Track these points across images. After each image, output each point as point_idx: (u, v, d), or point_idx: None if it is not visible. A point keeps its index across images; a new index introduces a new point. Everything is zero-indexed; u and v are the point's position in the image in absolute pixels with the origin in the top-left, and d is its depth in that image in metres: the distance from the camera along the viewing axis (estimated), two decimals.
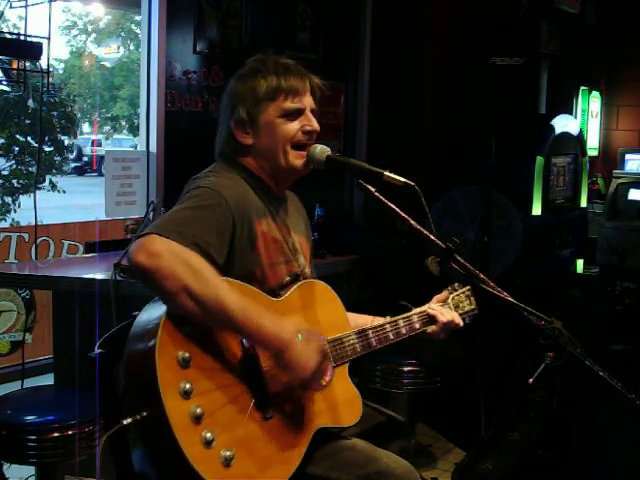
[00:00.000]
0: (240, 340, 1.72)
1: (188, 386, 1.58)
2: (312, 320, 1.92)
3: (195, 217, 1.71)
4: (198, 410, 1.58)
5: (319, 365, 1.73)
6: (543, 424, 3.02)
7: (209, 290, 1.61)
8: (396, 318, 2.10)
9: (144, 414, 1.58)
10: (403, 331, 2.09)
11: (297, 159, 1.94)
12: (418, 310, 2.16)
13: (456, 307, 2.24)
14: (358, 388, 2.02)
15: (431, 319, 2.15)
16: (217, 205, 1.76)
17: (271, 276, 1.88)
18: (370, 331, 2.02)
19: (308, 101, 1.96)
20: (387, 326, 2.06)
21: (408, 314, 2.14)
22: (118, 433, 1.69)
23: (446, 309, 2.19)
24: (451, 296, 2.24)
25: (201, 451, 1.57)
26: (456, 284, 2.27)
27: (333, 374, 1.92)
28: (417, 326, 2.13)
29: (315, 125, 1.96)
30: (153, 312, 1.66)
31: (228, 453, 1.61)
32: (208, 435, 1.58)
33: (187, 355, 1.61)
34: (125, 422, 1.61)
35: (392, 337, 2.07)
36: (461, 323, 2.18)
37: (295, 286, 1.92)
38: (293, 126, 1.92)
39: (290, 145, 1.92)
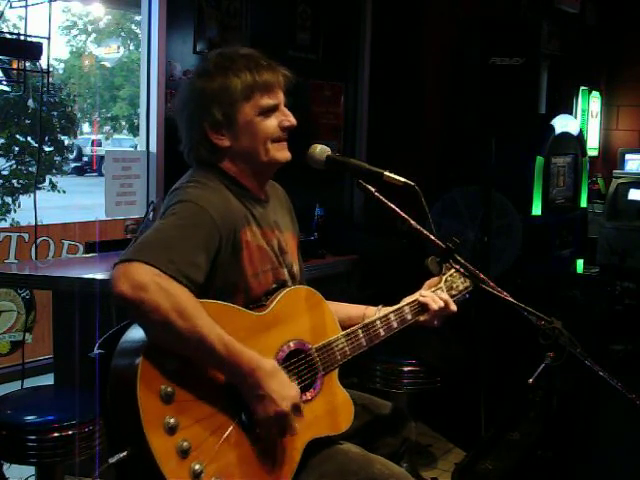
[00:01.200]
0: None
1: (173, 421, 1.56)
2: (299, 329, 1.87)
3: (182, 238, 1.67)
4: (185, 444, 1.57)
5: (297, 399, 1.69)
6: (543, 424, 3.02)
7: (190, 326, 1.58)
8: (387, 312, 2.04)
9: (130, 452, 1.57)
10: (394, 325, 2.03)
11: (279, 151, 1.89)
12: (409, 300, 2.09)
13: (450, 289, 2.16)
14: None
15: (423, 307, 2.08)
16: (203, 222, 1.72)
17: (256, 285, 1.85)
18: (360, 330, 1.96)
19: (281, 95, 1.90)
20: (377, 322, 2.00)
21: (399, 306, 2.07)
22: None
23: (438, 294, 2.10)
24: (443, 278, 2.16)
25: None
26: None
27: (322, 383, 1.89)
28: (409, 317, 2.06)
29: (292, 120, 1.90)
30: (138, 334, 1.63)
31: None
32: (197, 467, 1.57)
33: (170, 390, 1.58)
34: (111, 460, 1.59)
35: (383, 333, 2.01)
36: (454, 308, 2.10)
37: (279, 295, 1.86)
38: (271, 123, 1.87)
39: (270, 141, 1.88)
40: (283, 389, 1.66)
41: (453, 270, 2.17)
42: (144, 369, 1.57)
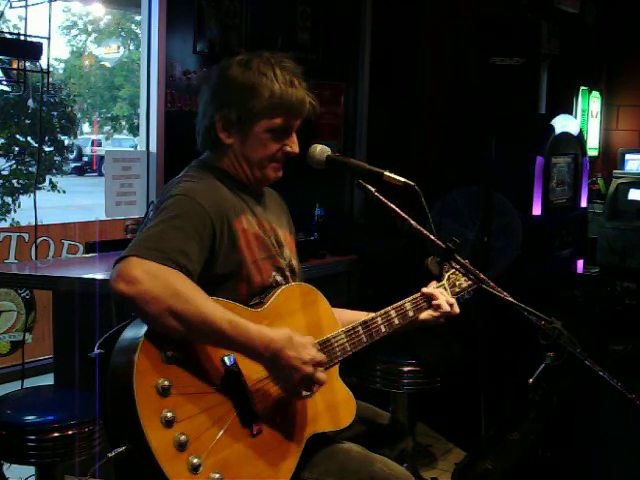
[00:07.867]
0: (221, 359, 1.69)
1: (170, 414, 1.56)
2: (298, 325, 1.87)
3: (171, 228, 1.68)
4: (182, 437, 1.56)
5: (317, 355, 1.71)
6: (543, 424, 3.02)
7: (192, 308, 1.58)
8: (388, 309, 2.04)
9: (128, 446, 1.57)
10: (396, 321, 2.03)
11: (272, 171, 1.93)
12: (411, 297, 2.10)
13: (453, 286, 2.17)
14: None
15: (427, 300, 2.09)
16: (193, 212, 1.73)
17: (256, 273, 1.85)
18: (360, 327, 1.96)
19: (298, 122, 1.92)
20: (378, 319, 2.00)
21: (400, 303, 2.07)
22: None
23: (441, 290, 2.12)
24: (446, 275, 2.16)
25: (188, 478, 1.56)
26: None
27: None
28: (410, 314, 2.06)
29: (296, 149, 1.92)
30: (135, 331, 1.63)
31: (217, 476, 1.59)
32: (195, 461, 1.57)
33: (166, 383, 1.58)
34: (110, 455, 1.59)
35: (384, 329, 2.00)
36: (457, 310, 2.11)
37: (277, 292, 1.87)
38: (276, 146, 1.89)
39: (268, 161, 1.90)
40: (301, 354, 1.67)
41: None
42: (140, 363, 1.57)
